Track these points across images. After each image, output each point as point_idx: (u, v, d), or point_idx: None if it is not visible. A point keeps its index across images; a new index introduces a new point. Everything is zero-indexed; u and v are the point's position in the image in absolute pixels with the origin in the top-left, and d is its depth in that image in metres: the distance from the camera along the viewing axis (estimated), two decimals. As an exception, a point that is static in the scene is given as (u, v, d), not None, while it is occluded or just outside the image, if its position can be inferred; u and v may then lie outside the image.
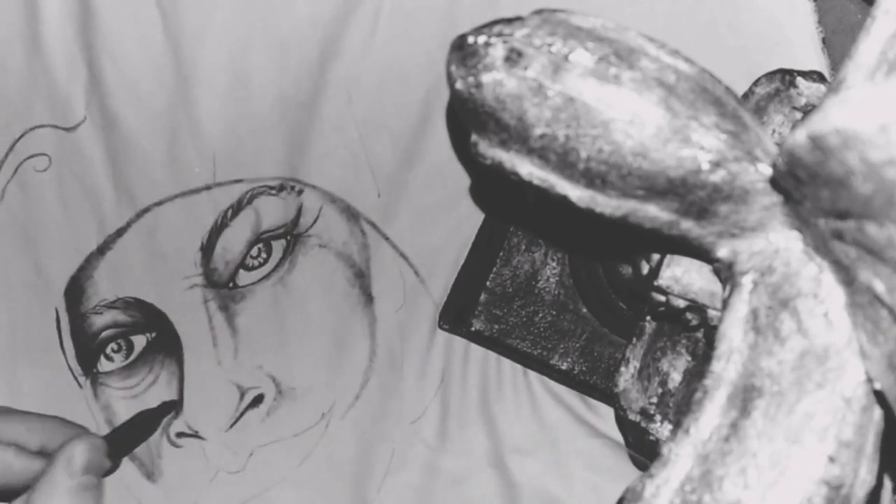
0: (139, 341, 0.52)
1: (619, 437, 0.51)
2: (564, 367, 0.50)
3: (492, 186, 0.52)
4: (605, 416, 0.51)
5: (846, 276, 0.30)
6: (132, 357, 0.52)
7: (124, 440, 0.50)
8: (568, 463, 0.51)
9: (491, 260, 0.51)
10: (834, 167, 0.25)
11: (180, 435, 0.51)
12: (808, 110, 0.42)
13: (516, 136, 0.32)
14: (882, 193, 0.24)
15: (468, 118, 0.34)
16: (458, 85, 0.33)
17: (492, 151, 0.34)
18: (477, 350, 0.52)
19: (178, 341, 0.52)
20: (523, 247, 0.51)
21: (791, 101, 0.42)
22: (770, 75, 0.42)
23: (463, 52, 0.33)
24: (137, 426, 0.51)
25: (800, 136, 0.26)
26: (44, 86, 0.53)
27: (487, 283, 0.50)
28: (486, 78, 0.32)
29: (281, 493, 0.51)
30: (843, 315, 0.31)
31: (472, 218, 0.52)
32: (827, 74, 0.50)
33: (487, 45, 0.32)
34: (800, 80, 0.42)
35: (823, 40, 0.51)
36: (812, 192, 0.28)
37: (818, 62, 0.51)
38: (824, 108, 0.25)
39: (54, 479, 0.44)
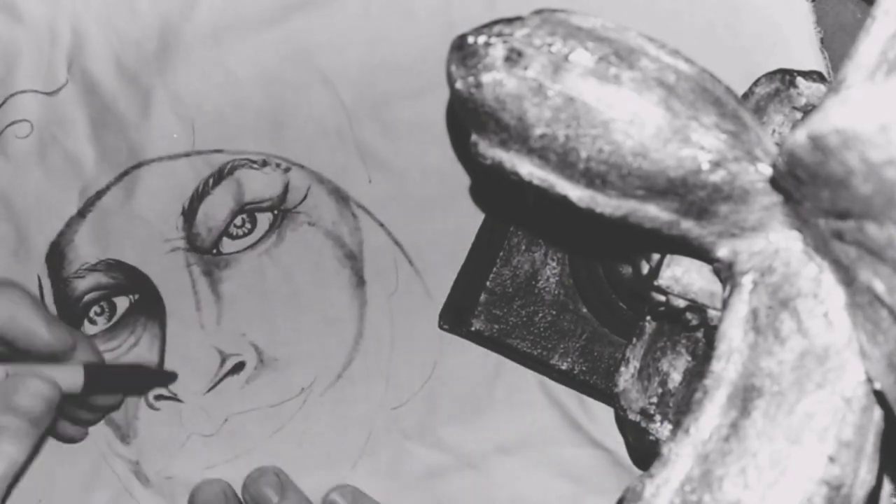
0: (122, 303, 0.52)
1: (611, 444, 0.51)
2: (564, 367, 0.50)
3: (492, 186, 0.52)
4: (600, 421, 0.51)
5: (846, 276, 0.30)
6: (115, 319, 0.52)
7: (106, 379, 0.49)
8: (549, 469, 0.51)
9: (491, 260, 0.51)
10: (834, 167, 0.25)
11: (159, 398, 0.52)
12: (808, 110, 0.42)
13: (516, 136, 0.32)
14: (882, 193, 0.24)
15: (468, 118, 0.34)
16: (458, 85, 0.33)
17: (492, 151, 0.34)
18: (473, 347, 0.52)
19: (161, 303, 0.52)
20: (523, 247, 0.51)
21: (791, 101, 0.42)
22: (770, 75, 0.42)
23: (463, 51, 0.33)
24: (128, 375, 0.51)
25: (800, 136, 0.26)
26: (26, 51, 0.53)
27: (487, 283, 0.50)
28: (486, 78, 0.32)
29: (250, 462, 0.51)
30: (843, 315, 0.31)
31: (472, 217, 0.52)
32: (827, 74, 0.50)
33: (487, 45, 0.32)
34: (800, 80, 0.42)
35: (822, 40, 0.51)
36: (812, 192, 0.28)
37: (816, 62, 0.51)
38: (824, 108, 0.25)
39: None
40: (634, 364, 0.43)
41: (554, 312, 0.50)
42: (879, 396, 0.30)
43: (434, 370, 0.52)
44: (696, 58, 0.32)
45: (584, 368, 0.50)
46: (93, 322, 0.52)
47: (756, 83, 0.42)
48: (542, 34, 0.32)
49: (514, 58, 0.32)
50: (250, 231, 0.52)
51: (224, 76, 0.53)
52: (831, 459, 0.30)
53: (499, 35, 0.32)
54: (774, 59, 0.50)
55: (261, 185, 0.52)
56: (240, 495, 0.51)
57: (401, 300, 0.52)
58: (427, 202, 0.52)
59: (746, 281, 0.33)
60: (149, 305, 0.52)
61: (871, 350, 0.29)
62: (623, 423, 0.44)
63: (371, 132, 0.53)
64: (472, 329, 0.50)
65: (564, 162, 0.32)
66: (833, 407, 0.30)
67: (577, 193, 0.33)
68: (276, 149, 0.53)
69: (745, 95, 0.42)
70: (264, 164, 0.52)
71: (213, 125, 0.53)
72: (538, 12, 0.33)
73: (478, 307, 0.50)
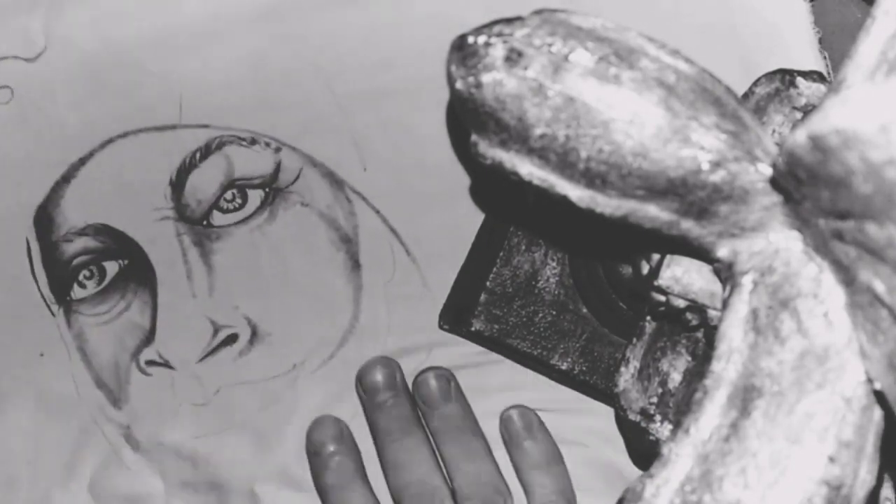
0: (111, 267, 0.52)
1: (610, 443, 0.51)
2: (564, 367, 0.50)
3: (492, 186, 0.52)
4: (601, 419, 0.51)
5: (846, 276, 0.30)
6: (104, 283, 0.52)
7: None
8: None
9: (491, 260, 0.51)
10: (834, 167, 0.25)
11: (150, 363, 0.52)
12: (808, 110, 0.42)
13: (516, 136, 0.32)
14: (882, 193, 0.24)
15: (468, 118, 0.34)
16: (459, 85, 0.33)
17: (492, 151, 0.34)
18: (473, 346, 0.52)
19: (152, 270, 0.52)
20: (523, 247, 0.51)
21: (791, 101, 0.42)
22: (770, 75, 0.42)
23: (463, 51, 0.33)
24: None
25: (800, 136, 0.26)
26: (1, 17, 0.52)
27: (487, 283, 0.50)
28: (486, 78, 0.32)
29: (240, 435, 0.51)
30: (843, 315, 0.31)
31: (472, 217, 0.52)
32: (827, 74, 0.50)
33: (487, 45, 0.32)
34: (800, 80, 0.42)
35: (822, 40, 0.51)
36: (812, 192, 0.28)
37: (816, 62, 0.51)
38: (824, 108, 0.25)
39: None
40: (634, 364, 0.43)
41: (554, 312, 0.50)
42: (879, 396, 0.30)
43: (429, 357, 0.52)
44: (696, 58, 0.32)
45: (584, 368, 0.50)
46: (82, 286, 0.52)
47: (756, 83, 0.42)
48: (542, 34, 0.32)
49: (514, 58, 0.32)
50: (241, 206, 0.52)
51: (217, 57, 0.52)
52: (831, 459, 0.30)
53: (499, 35, 0.32)
54: (774, 59, 0.50)
55: (251, 162, 0.52)
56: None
57: (398, 289, 0.52)
58: (426, 197, 0.52)
59: (746, 281, 0.33)
60: (139, 271, 0.52)
61: (871, 350, 0.29)
62: (623, 423, 0.44)
63: (365, 123, 0.52)
64: (472, 329, 0.50)
65: (564, 162, 0.32)
66: (833, 407, 0.30)
67: (577, 193, 0.33)
68: (265, 128, 0.52)
69: (745, 95, 0.42)
70: (253, 142, 0.52)
71: (201, 101, 0.52)
72: (538, 12, 0.33)
73: (478, 307, 0.50)
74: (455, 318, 0.51)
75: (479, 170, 0.48)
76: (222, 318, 0.52)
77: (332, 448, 0.50)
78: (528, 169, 0.33)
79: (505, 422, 0.51)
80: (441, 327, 0.52)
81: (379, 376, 0.51)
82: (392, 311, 0.52)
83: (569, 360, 0.50)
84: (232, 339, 0.52)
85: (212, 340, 0.52)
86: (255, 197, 0.52)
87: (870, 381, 0.30)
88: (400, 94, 0.52)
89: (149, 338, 0.52)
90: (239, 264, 0.52)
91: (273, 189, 0.52)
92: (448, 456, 0.50)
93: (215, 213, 0.52)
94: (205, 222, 0.52)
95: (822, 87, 0.42)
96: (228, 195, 0.52)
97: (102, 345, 0.52)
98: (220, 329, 0.52)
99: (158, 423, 0.51)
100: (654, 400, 0.43)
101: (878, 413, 0.30)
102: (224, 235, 0.52)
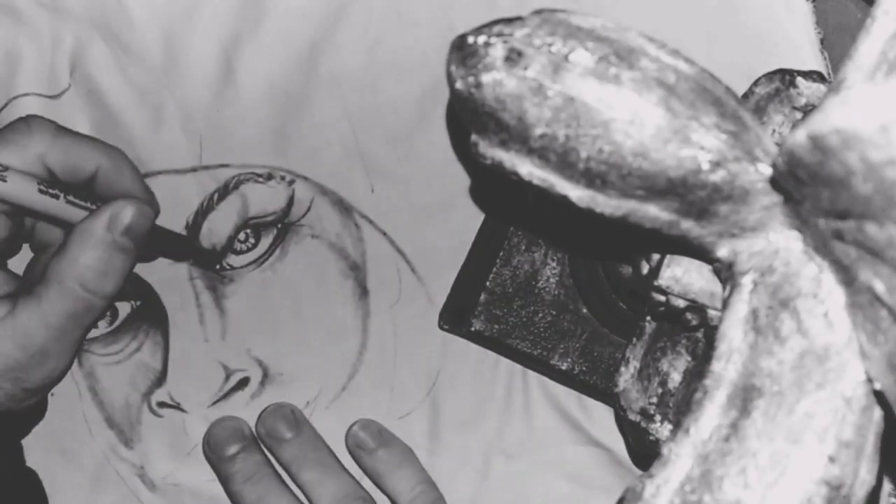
0: (123, 308, 0.52)
1: (611, 443, 0.51)
2: (564, 367, 0.50)
3: (492, 186, 0.52)
4: (599, 422, 0.51)
5: (846, 276, 0.30)
6: (116, 323, 0.52)
7: (163, 238, 0.51)
8: (550, 470, 0.51)
9: (491, 260, 0.51)
10: (834, 167, 0.25)
11: (161, 405, 0.52)
12: (808, 110, 0.42)
13: (516, 136, 0.32)
14: (882, 193, 0.24)
15: (468, 118, 0.34)
16: (458, 85, 0.33)
17: (492, 151, 0.34)
18: (475, 352, 0.52)
19: (164, 312, 0.52)
20: (523, 247, 0.51)
21: (791, 101, 0.42)
22: (770, 75, 0.42)
23: (463, 51, 0.33)
24: (173, 240, 0.51)
25: (800, 136, 0.26)
26: (28, 54, 0.52)
27: (487, 283, 0.50)
28: (486, 78, 0.32)
29: None
30: (843, 315, 0.31)
31: (472, 218, 0.52)
32: (827, 74, 0.50)
33: (487, 44, 0.32)
34: (800, 80, 0.42)
35: (822, 41, 0.51)
36: (812, 192, 0.28)
37: (817, 62, 0.51)
38: (824, 108, 0.25)
39: (93, 229, 0.45)
40: (634, 364, 0.43)
41: (554, 312, 0.50)
42: (879, 396, 0.30)
43: (438, 377, 0.52)
44: (696, 58, 0.32)
45: (584, 368, 0.50)
46: (94, 325, 0.52)
47: (756, 83, 0.42)
48: (542, 34, 0.32)
49: (514, 58, 0.32)
50: (254, 246, 0.52)
51: (233, 90, 0.53)
52: (831, 459, 0.30)
53: (499, 35, 0.32)
54: (774, 59, 0.50)
55: (265, 198, 0.52)
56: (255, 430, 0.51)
57: (403, 309, 0.52)
58: (428, 207, 0.52)
59: (746, 281, 0.33)
60: (151, 313, 0.52)
61: (871, 350, 0.29)
62: (623, 423, 0.44)
63: (374, 139, 0.53)
64: (472, 329, 0.50)
65: (564, 162, 0.32)
66: (833, 407, 0.30)
67: (577, 193, 0.33)
68: (280, 161, 0.53)
69: (745, 95, 0.42)
70: (269, 177, 0.52)
71: (220, 140, 0.52)
72: (538, 12, 0.33)
73: (478, 307, 0.50)
74: (455, 318, 0.51)
75: (479, 170, 0.48)
76: (234, 362, 0.52)
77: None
78: (528, 169, 0.33)
79: (352, 437, 0.51)
80: (441, 327, 0.52)
81: (225, 431, 0.51)
82: (399, 334, 0.52)
83: (569, 360, 0.50)
84: (244, 382, 0.52)
85: (224, 385, 0.52)
86: (267, 235, 0.52)
87: (870, 381, 0.30)
88: (406, 102, 0.53)
89: (160, 379, 0.52)
90: (251, 307, 0.52)
91: (285, 225, 0.52)
92: (306, 481, 0.50)
93: (229, 255, 0.52)
94: (218, 266, 0.52)
95: (822, 87, 0.42)
96: (242, 236, 0.52)
97: (114, 384, 0.52)
98: (233, 373, 0.52)
99: (173, 465, 0.51)
100: (654, 400, 0.43)
101: (878, 413, 0.30)
102: (237, 278, 0.52)
